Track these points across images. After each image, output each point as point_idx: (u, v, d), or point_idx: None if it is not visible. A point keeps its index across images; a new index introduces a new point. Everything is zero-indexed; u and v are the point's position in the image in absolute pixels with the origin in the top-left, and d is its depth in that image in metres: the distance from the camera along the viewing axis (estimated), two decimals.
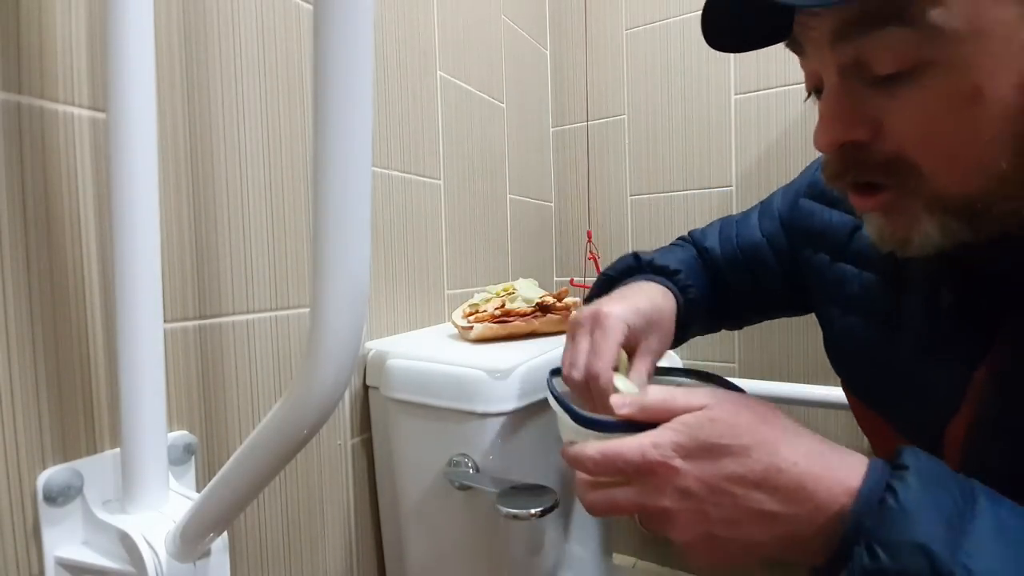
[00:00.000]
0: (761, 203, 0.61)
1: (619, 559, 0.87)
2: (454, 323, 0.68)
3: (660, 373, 0.48)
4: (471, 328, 0.65)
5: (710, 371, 0.47)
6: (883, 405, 0.45)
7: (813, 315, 0.56)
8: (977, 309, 0.35)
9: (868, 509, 0.27)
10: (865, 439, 0.49)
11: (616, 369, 0.43)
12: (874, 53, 0.30)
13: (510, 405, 0.55)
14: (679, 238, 0.66)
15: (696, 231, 0.64)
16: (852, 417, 0.50)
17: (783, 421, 0.32)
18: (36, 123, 0.39)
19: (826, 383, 0.84)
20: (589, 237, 1.10)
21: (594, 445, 0.34)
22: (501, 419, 0.55)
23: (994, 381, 0.34)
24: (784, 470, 0.30)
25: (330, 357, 0.29)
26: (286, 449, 0.31)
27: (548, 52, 1.17)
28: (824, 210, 0.49)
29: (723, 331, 0.85)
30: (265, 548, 0.56)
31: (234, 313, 0.53)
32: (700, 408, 0.32)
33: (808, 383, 0.87)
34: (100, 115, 0.42)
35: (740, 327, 0.66)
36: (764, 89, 0.91)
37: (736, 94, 0.95)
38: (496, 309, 0.68)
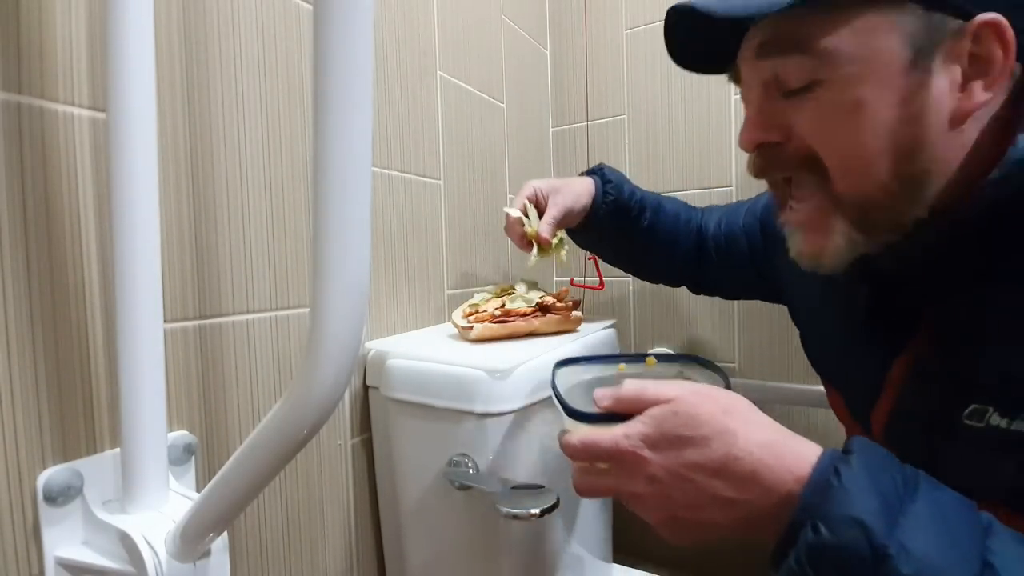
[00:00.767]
0: (753, 199, 0.70)
1: (620, 560, 0.87)
2: (454, 323, 0.68)
3: (662, 360, 0.52)
4: (471, 328, 0.65)
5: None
6: (838, 390, 0.51)
7: None
8: (890, 307, 0.40)
9: (814, 492, 0.30)
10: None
11: (527, 215, 0.68)
12: (785, 72, 0.37)
13: (510, 405, 0.55)
14: (697, 208, 0.77)
15: (710, 208, 0.76)
16: None
17: (745, 412, 0.35)
18: (36, 123, 0.39)
19: None
20: None
21: (578, 435, 0.39)
22: (501, 419, 0.55)
23: (910, 371, 0.38)
24: (740, 459, 0.32)
25: (330, 357, 0.29)
26: (286, 449, 0.31)
27: (548, 52, 1.17)
28: None
29: (722, 330, 0.89)
30: (265, 548, 0.56)
31: (234, 313, 0.53)
32: (667, 401, 0.35)
33: (808, 383, 0.87)
34: (100, 115, 0.42)
35: (717, 295, 0.78)
36: None
37: (736, 94, 0.95)
38: (496, 309, 0.68)
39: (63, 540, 0.40)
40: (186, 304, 0.48)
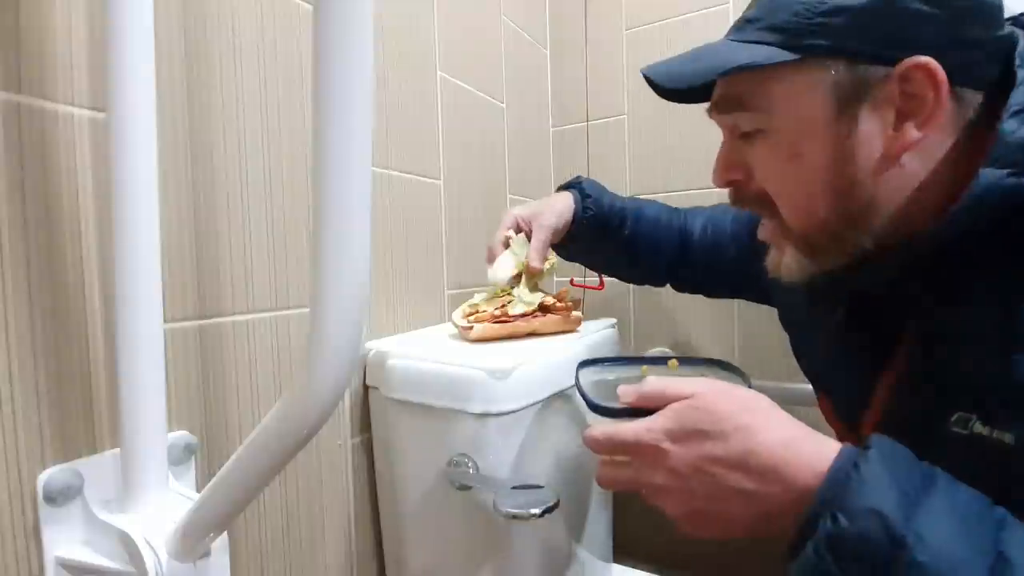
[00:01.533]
0: None
1: (620, 560, 0.87)
2: (454, 323, 0.68)
3: (684, 363, 0.54)
4: (471, 328, 0.65)
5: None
6: (824, 396, 0.53)
7: None
8: (872, 323, 0.43)
9: (833, 486, 0.31)
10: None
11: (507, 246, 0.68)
12: (737, 121, 0.42)
13: (510, 405, 0.55)
14: (679, 210, 0.78)
15: (692, 210, 0.76)
16: None
17: (766, 409, 0.36)
18: (36, 123, 0.39)
19: None
20: None
21: (601, 428, 0.40)
22: (501, 419, 0.55)
23: (895, 384, 0.40)
24: (759, 453, 0.33)
25: (330, 357, 0.29)
26: (286, 449, 0.31)
27: (548, 52, 1.17)
28: None
29: (722, 330, 0.89)
30: (265, 548, 0.56)
31: (234, 313, 0.53)
32: (689, 396, 0.37)
33: (808, 383, 0.87)
34: (100, 115, 0.42)
35: (700, 294, 0.80)
36: None
37: None
38: (496, 309, 0.68)
39: (63, 540, 0.40)
40: (186, 304, 0.48)
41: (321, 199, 0.27)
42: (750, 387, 0.42)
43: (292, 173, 0.58)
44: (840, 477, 0.31)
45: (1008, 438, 0.32)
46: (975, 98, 0.35)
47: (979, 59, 0.35)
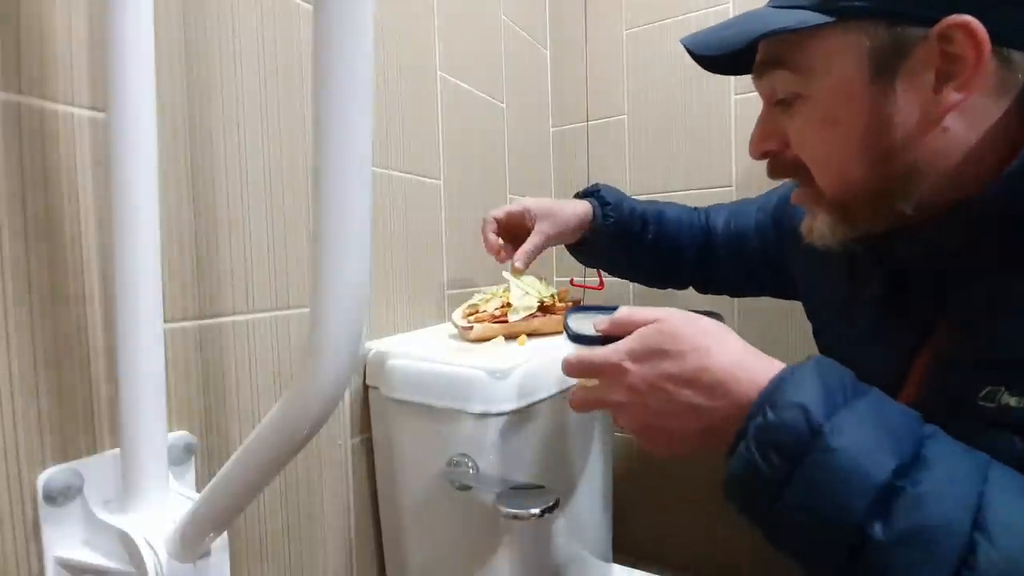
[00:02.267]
0: (767, 194, 0.70)
1: (620, 560, 0.87)
2: (454, 323, 0.68)
3: None
4: (471, 328, 0.65)
5: None
6: None
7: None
8: (911, 299, 0.42)
9: (769, 390, 0.33)
10: None
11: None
12: (776, 85, 0.41)
13: (510, 405, 0.55)
14: (696, 208, 0.77)
15: (714, 207, 0.76)
16: None
17: (722, 334, 0.38)
18: (36, 123, 0.39)
19: None
20: None
21: (575, 352, 0.44)
22: (501, 419, 0.55)
23: (931, 361, 0.40)
24: (710, 370, 0.35)
25: (330, 357, 0.29)
26: (286, 449, 0.31)
27: (548, 52, 1.17)
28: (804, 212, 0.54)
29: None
30: (265, 548, 0.56)
31: (234, 313, 0.53)
32: (654, 320, 0.39)
33: None
34: (100, 115, 0.42)
35: (724, 293, 0.79)
36: None
37: (736, 94, 0.95)
38: (496, 309, 0.68)
39: (63, 540, 0.40)
40: (186, 304, 0.48)
41: (321, 199, 0.27)
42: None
43: (292, 173, 0.58)
44: (775, 381, 0.33)
45: None
46: None
47: None
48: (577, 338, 0.45)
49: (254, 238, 0.54)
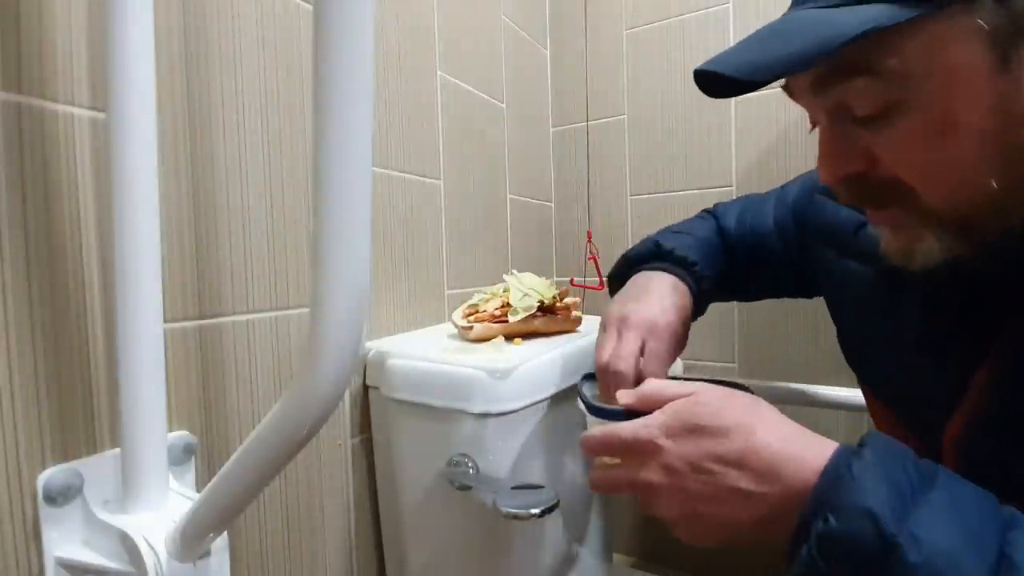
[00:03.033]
0: (781, 188, 0.64)
1: (620, 560, 0.87)
2: (454, 323, 0.68)
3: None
4: (471, 328, 0.65)
5: (713, 374, 0.49)
6: (889, 399, 0.46)
7: (813, 317, 0.57)
8: (976, 313, 0.37)
9: (827, 485, 0.29)
10: (868, 427, 0.50)
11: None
12: (851, 99, 0.33)
13: (510, 405, 0.55)
14: (704, 210, 0.69)
15: (720, 206, 0.67)
16: (853, 418, 0.50)
17: (764, 411, 0.35)
18: (36, 123, 0.39)
19: (827, 383, 0.84)
20: (589, 237, 1.10)
21: (599, 428, 0.39)
22: (501, 419, 0.55)
23: (992, 383, 0.35)
24: (758, 451, 0.32)
25: (330, 357, 0.29)
26: (286, 449, 0.31)
27: (548, 52, 1.17)
28: (833, 206, 0.50)
29: (722, 330, 0.87)
30: (265, 548, 0.56)
31: (234, 313, 0.53)
32: (689, 395, 0.36)
33: (808, 383, 0.87)
34: (100, 115, 0.42)
35: (748, 300, 0.70)
36: (764, 89, 0.91)
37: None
38: (496, 309, 0.68)
39: (63, 540, 0.40)
40: (186, 304, 0.48)
41: (321, 199, 0.27)
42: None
43: (292, 173, 0.58)
44: (833, 475, 0.30)
45: None
46: None
47: None
48: (597, 411, 0.41)
49: (254, 238, 0.54)
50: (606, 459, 0.40)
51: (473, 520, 0.58)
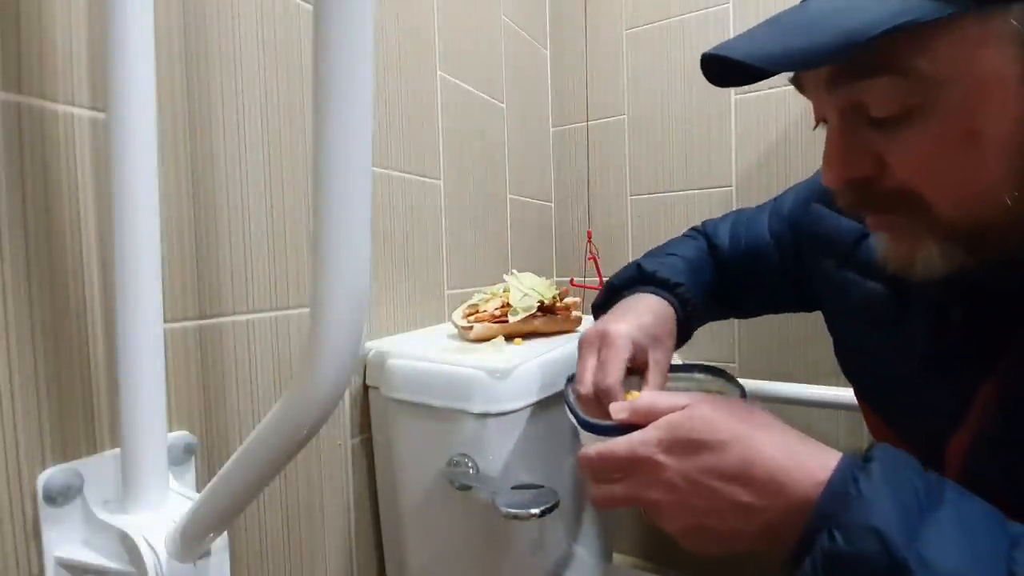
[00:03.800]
0: (774, 200, 0.62)
1: (620, 560, 0.87)
2: (454, 323, 0.68)
3: (676, 369, 0.51)
4: (471, 328, 0.65)
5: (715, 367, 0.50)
6: (888, 413, 0.45)
7: (814, 316, 0.57)
8: (983, 326, 0.36)
9: (832, 499, 0.29)
10: (867, 438, 0.49)
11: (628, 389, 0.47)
12: (869, 98, 0.31)
13: (510, 405, 0.55)
14: (692, 228, 0.67)
15: (710, 223, 0.66)
16: (853, 418, 0.50)
17: (761, 418, 0.34)
18: (36, 123, 0.39)
19: (827, 383, 0.84)
20: (589, 237, 1.10)
21: (594, 446, 0.38)
22: (501, 419, 0.55)
23: (999, 397, 0.34)
24: (757, 464, 0.32)
25: (330, 357, 0.29)
26: (286, 449, 0.31)
27: (548, 52, 1.17)
28: (833, 216, 0.49)
29: (722, 330, 0.87)
30: (265, 548, 0.56)
31: (234, 313, 0.53)
32: (682, 408, 0.35)
33: (808, 383, 0.87)
34: (100, 115, 0.42)
35: (747, 316, 0.69)
36: (764, 89, 0.91)
37: (736, 94, 0.95)
38: (496, 309, 0.68)
39: (63, 540, 0.40)
40: (186, 304, 0.48)
41: (321, 199, 0.27)
42: (744, 395, 0.40)
43: (292, 173, 0.58)
44: (839, 490, 0.29)
45: None
46: None
47: None
48: (589, 426, 0.41)
49: (254, 238, 0.54)
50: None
51: (473, 520, 0.58)
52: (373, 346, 0.66)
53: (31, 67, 0.38)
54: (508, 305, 0.68)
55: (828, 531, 0.28)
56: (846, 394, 0.83)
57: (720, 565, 1.00)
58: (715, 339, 1.00)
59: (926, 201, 0.32)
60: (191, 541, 0.36)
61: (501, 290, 0.72)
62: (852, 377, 0.51)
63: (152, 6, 0.38)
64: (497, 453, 0.55)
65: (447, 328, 0.77)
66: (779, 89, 0.90)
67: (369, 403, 0.67)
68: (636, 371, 0.49)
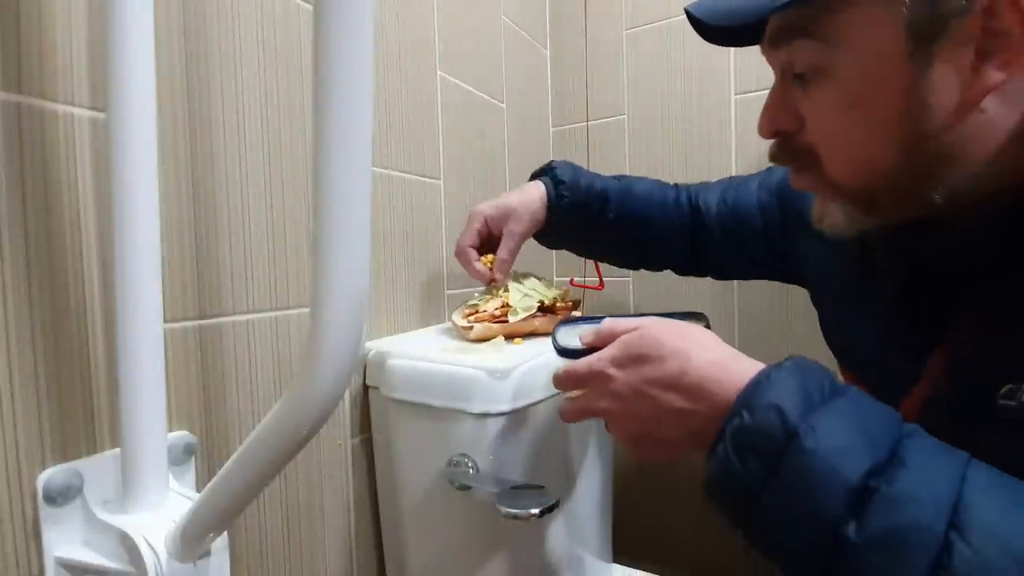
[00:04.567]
0: (767, 171, 0.66)
1: (620, 560, 0.87)
2: (454, 323, 0.68)
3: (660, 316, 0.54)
4: (471, 328, 0.65)
5: None
6: (861, 379, 0.49)
7: (813, 316, 0.57)
8: (934, 295, 0.39)
9: (746, 392, 0.33)
10: None
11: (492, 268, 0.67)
12: (794, 57, 0.36)
13: (510, 405, 0.55)
14: (675, 184, 0.73)
15: (697, 185, 0.71)
16: None
17: (701, 337, 0.38)
18: (36, 123, 0.39)
19: None
20: None
21: (562, 366, 0.44)
22: (501, 419, 0.55)
23: (947, 360, 0.37)
24: (690, 373, 0.36)
25: (330, 357, 0.29)
26: (286, 449, 0.31)
27: (548, 52, 1.17)
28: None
29: (722, 332, 0.88)
30: (265, 548, 0.56)
31: (234, 313, 0.53)
32: (636, 328, 0.40)
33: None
34: (100, 115, 0.42)
35: (716, 277, 0.74)
36: (764, 89, 0.91)
37: (736, 94, 0.95)
38: (496, 309, 0.68)
39: (63, 540, 0.40)
40: (186, 304, 0.48)
41: (321, 199, 0.27)
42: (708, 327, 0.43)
43: (292, 173, 0.58)
44: (753, 382, 0.33)
45: None
46: None
47: None
48: (564, 352, 0.46)
49: (254, 238, 0.54)
50: (573, 393, 0.46)
51: (473, 520, 0.58)
52: (373, 346, 0.66)
53: (31, 67, 0.38)
54: (508, 305, 0.68)
55: (739, 413, 0.32)
56: None
57: (720, 565, 1.00)
58: (716, 335, 0.99)
59: (820, 161, 0.37)
60: (191, 541, 0.36)
61: (501, 290, 0.72)
62: (832, 348, 0.54)
63: (152, 6, 0.38)
64: (497, 453, 0.55)
65: (447, 328, 0.77)
66: None
67: (369, 403, 0.67)
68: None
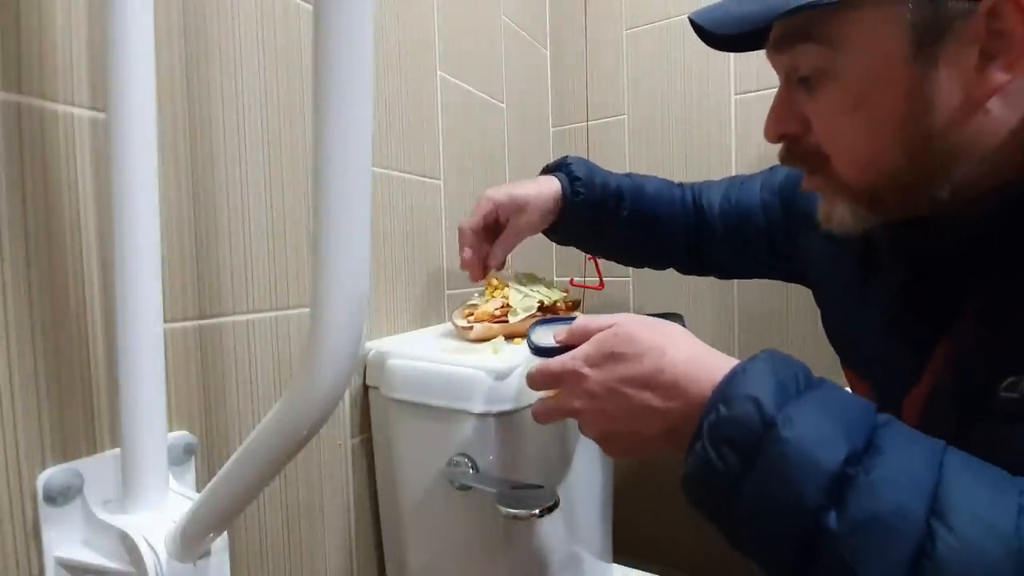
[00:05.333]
0: (769, 171, 0.66)
1: (620, 560, 0.87)
2: (454, 323, 0.68)
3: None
4: (471, 328, 0.65)
5: None
6: (868, 378, 0.49)
7: (812, 316, 0.58)
8: (937, 289, 0.39)
9: (722, 385, 0.32)
10: None
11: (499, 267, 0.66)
12: (799, 61, 0.37)
13: (510, 405, 0.55)
14: (681, 184, 0.73)
15: (701, 184, 0.72)
16: None
17: (675, 335, 0.38)
18: (36, 123, 0.39)
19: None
20: None
21: (535, 364, 0.43)
22: (501, 419, 0.55)
23: (951, 354, 0.37)
24: (665, 371, 0.35)
25: (330, 357, 0.29)
26: (286, 449, 0.32)
27: (548, 52, 1.17)
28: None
29: (722, 332, 0.87)
30: (265, 548, 0.56)
31: (234, 313, 0.53)
32: (609, 326, 0.39)
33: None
34: (100, 115, 0.42)
35: (718, 275, 0.75)
36: (764, 89, 0.91)
37: (736, 94, 0.95)
38: (496, 309, 0.68)
39: (63, 540, 0.40)
40: (186, 304, 0.48)
41: (321, 199, 0.27)
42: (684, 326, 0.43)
43: (292, 173, 0.58)
44: (728, 376, 0.32)
45: None
46: None
47: None
48: (538, 350, 0.45)
49: (254, 238, 0.54)
50: (547, 392, 0.45)
51: (473, 520, 0.58)
52: (373, 346, 0.66)
53: (31, 67, 0.38)
54: (508, 305, 0.68)
55: (716, 407, 0.31)
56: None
57: (720, 565, 1.00)
58: (715, 339, 0.99)
59: (829, 161, 0.38)
60: (191, 541, 0.36)
61: (501, 290, 0.72)
62: (835, 346, 0.54)
63: (152, 6, 0.38)
64: (497, 453, 0.55)
65: (447, 328, 0.77)
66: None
67: (369, 403, 0.67)
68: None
